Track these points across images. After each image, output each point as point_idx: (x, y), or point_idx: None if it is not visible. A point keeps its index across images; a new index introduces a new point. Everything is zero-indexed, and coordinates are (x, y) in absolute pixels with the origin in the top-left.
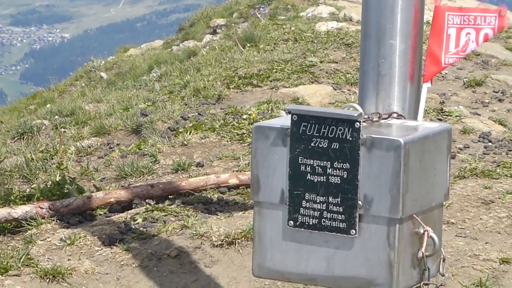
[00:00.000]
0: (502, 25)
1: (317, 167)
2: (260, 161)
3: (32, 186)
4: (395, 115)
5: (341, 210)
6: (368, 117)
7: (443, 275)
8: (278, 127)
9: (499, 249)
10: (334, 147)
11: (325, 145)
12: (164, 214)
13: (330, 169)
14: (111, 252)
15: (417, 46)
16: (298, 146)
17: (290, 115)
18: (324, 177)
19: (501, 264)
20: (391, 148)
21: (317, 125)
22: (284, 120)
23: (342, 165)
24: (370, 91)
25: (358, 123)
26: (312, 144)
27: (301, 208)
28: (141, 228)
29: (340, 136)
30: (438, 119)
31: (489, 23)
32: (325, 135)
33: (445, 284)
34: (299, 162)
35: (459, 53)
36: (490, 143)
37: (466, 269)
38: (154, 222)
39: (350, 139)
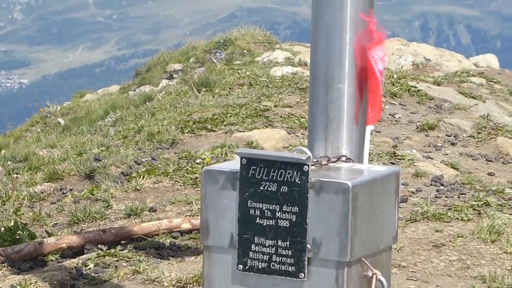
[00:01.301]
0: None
1: (266, 211)
2: (210, 205)
3: None
4: (343, 158)
5: (290, 254)
6: (317, 161)
7: None
8: (228, 171)
9: None
10: (283, 190)
11: (274, 188)
12: (116, 259)
13: (279, 213)
14: None
15: (364, 89)
16: (247, 190)
17: (239, 158)
18: (273, 221)
19: None
20: (340, 191)
21: (266, 169)
22: (233, 164)
23: (291, 209)
24: (319, 134)
25: (306, 167)
26: (261, 188)
27: (250, 252)
28: (92, 274)
29: (289, 180)
30: (391, 162)
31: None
32: (274, 178)
33: None
34: (248, 205)
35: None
36: (442, 187)
37: None
38: (105, 268)
39: (299, 182)
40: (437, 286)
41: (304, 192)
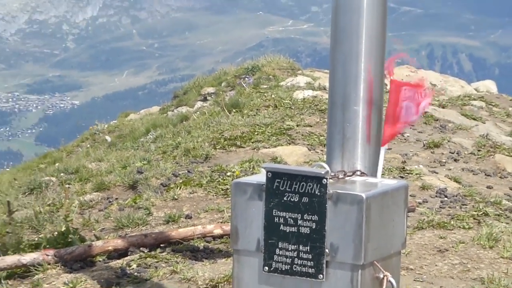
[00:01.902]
0: (431, 96)
1: (289, 219)
2: (239, 213)
3: (40, 236)
4: (358, 173)
5: (310, 257)
6: (335, 175)
7: None
8: (255, 183)
9: None
10: (304, 201)
11: (296, 199)
12: (156, 260)
13: (301, 221)
14: None
15: (378, 111)
16: (272, 200)
17: (265, 172)
18: (295, 228)
19: None
20: (355, 202)
21: (289, 181)
22: (260, 177)
23: (311, 217)
24: (337, 151)
25: (325, 180)
26: (284, 198)
27: (275, 255)
28: (135, 273)
29: (309, 191)
30: (400, 176)
31: (426, 96)
32: (296, 190)
33: None
34: (273, 214)
35: (408, 122)
36: (446, 198)
37: None
38: (147, 268)
39: (318, 194)
40: (440, 286)
41: (323, 202)
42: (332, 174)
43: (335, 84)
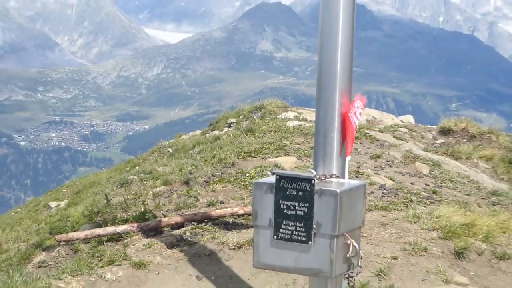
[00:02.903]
0: (364, 103)
1: (290, 206)
2: (258, 202)
3: (128, 214)
4: (334, 176)
5: (303, 230)
6: (319, 177)
7: (360, 267)
8: (268, 183)
9: (391, 251)
10: (300, 194)
11: (294, 193)
12: (202, 230)
13: (297, 207)
14: (172, 252)
15: (345, 136)
16: (279, 194)
17: (274, 175)
18: (294, 211)
19: (392, 260)
20: (332, 195)
21: (290, 182)
22: (271, 179)
23: (304, 205)
24: (320, 162)
25: (313, 181)
26: (287, 192)
27: (281, 229)
28: (188, 238)
29: (303, 188)
30: (356, 177)
31: (358, 109)
32: (294, 187)
33: (361, 272)
34: (280, 203)
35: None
36: (385, 190)
37: (372, 263)
38: (196, 235)
39: (309, 189)
40: (384, 247)
41: (312, 195)
42: (317, 177)
43: (319, 119)
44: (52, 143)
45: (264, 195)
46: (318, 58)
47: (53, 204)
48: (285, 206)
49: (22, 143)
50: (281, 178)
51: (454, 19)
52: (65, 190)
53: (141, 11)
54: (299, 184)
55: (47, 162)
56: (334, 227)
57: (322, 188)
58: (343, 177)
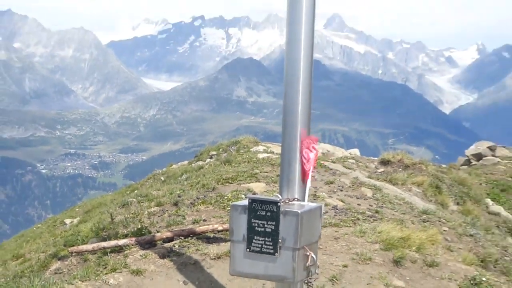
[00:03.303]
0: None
1: (260, 224)
2: (233, 221)
3: (127, 230)
4: (296, 199)
5: (271, 244)
6: (284, 200)
7: (317, 274)
8: (242, 205)
9: (342, 260)
10: (268, 214)
11: (263, 213)
12: (188, 243)
13: (266, 225)
14: (163, 261)
15: (304, 166)
16: (250, 214)
17: (247, 199)
18: (263, 229)
19: (343, 267)
20: (294, 215)
21: (260, 204)
22: (244, 202)
23: (272, 223)
24: (284, 188)
25: (279, 203)
26: (258, 213)
27: (252, 243)
28: (177, 250)
29: (271, 209)
30: (314, 199)
31: (312, 144)
32: (264, 208)
33: (318, 278)
34: (252, 221)
35: (314, 166)
36: (337, 210)
37: (327, 270)
38: (183, 247)
39: (275, 210)
40: (336, 257)
41: (278, 215)
42: (282, 200)
43: (284, 151)
44: (67, 171)
45: (239, 215)
46: (283, 101)
47: (67, 221)
48: (256, 224)
49: (44, 171)
50: (252, 201)
51: (390, 71)
52: (77, 210)
53: (140, 65)
54: (267, 206)
55: (63, 186)
56: (296, 241)
57: (286, 209)
58: (303, 200)
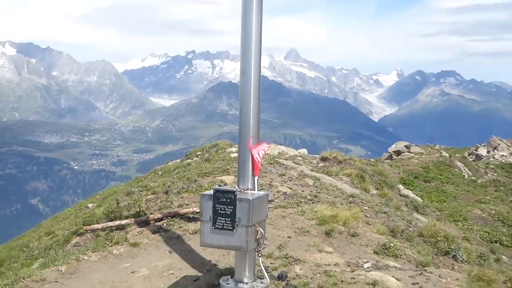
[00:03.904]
0: (268, 147)
1: (222, 208)
2: (203, 206)
3: (129, 213)
4: (249, 189)
5: (230, 223)
6: (240, 190)
7: (265, 244)
8: (209, 194)
9: (287, 233)
10: (228, 200)
11: (225, 200)
12: (173, 222)
13: (227, 209)
14: (154, 236)
15: (255, 164)
16: (215, 201)
17: (213, 190)
18: (225, 211)
19: (287, 238)
20: (247, 201)
21: (222, 193)
22: (210, 192)
23: (230, 207)
24: (241, 180)
25: (236, 192)
26: (220, 200)
27: (216, 222)
28: (165, 227)
29: (230, 197)
30: (269, 188)
31: (263, 148)
32: (225, 196)
33: (267, 246)
34: (216, 206)
35: (261, 160)
36: (286, 195)
37: (276, 240)
38: (170, 225)
39: (233, 198)
40: (283, 231)
41: (235, 201)
42: (239, 190)
43: (240, 154)
44: (94, 167)
45: (207, 202)
46: (239, 117)
47: (90, 205)
48: (219, 208)
49: (76, 167)
50: (216, 191)
51: (333, 91)
52: (98, 197)
53: (147, 87)
54: (227, 194)
55: (91, 179)
56: (248, 220)
57: (241, 197)
58: (254, 189)
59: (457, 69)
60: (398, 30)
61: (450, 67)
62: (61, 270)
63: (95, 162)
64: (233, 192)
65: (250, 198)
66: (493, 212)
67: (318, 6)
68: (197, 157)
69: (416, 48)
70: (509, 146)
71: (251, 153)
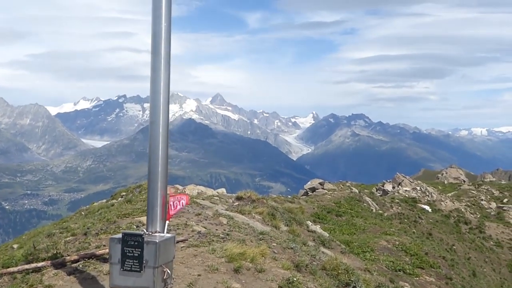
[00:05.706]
0: (187, 201)
1: (130, 250)
2: (111, 249)
3: (47, 255)
4: (157, 232)
5: (138, 264)
6: (148, 233)
7: (172, 284)
8: (117, 238)
9: (197, 271)
10: (135, 243)
11: (133, 243)
12: (89, 264)
13: (134, 251)
14: (69, 277)
15: (164, 211)
16: (124, 244)
17: (121, 233)
18: (133, 254)
19: (197, 276)
20: (154, 244)
21: (130, 236)
22: (119, 235)
23: (138, 250)
24: (149, 223)
25: (143, 235)
26: (129, 243)
27: (125, 264)
28: (81, 269)
29: (138, 240)
30: (184, 228)
31: (181, 200)
32: (133, 239)
33: (179, 284)
34: (124, 249)
35: (175, 211)
36: (200, 234)
37: (186, 278)
38: (85, 266)
39: (141, 240)
40: (194, 269)
41: (142, 244)
42: (147, 233)
43: (149, 199)
44: (25, 207)
45: (115, 245)
46: (148, 163)
47: (15, 246)
48: (127, 251)
49: (7, 207)
50: (125, 235)
51: (256, 132)
52: (24, 237)
53: (79, 129)
54: (135, 238)
55: (22, 218)
56: (155, 262)
57: (149, 240)
58: (163, 232)
59: (366, 113)
60: (313, 77)
61: (360, 110)
62: None
63: (26, 201)
64: (140, 236)
65: (157, 241)
66: (397, 243)
67: (241, 54)
68: (122, 197)
69: (329, 93)
70: (411, 182)
71: (168, 200)
